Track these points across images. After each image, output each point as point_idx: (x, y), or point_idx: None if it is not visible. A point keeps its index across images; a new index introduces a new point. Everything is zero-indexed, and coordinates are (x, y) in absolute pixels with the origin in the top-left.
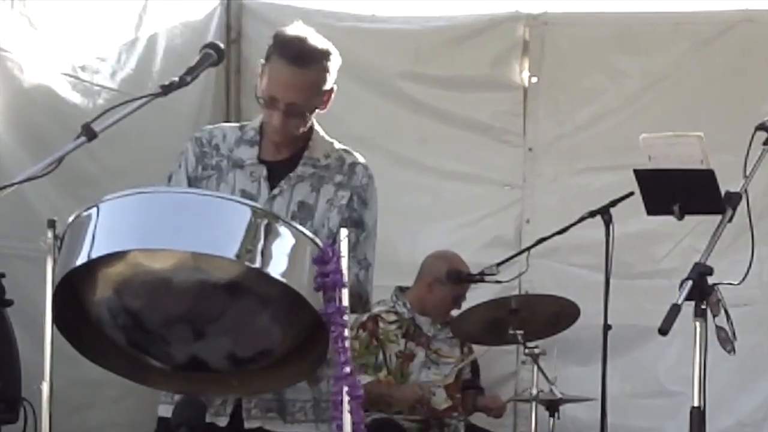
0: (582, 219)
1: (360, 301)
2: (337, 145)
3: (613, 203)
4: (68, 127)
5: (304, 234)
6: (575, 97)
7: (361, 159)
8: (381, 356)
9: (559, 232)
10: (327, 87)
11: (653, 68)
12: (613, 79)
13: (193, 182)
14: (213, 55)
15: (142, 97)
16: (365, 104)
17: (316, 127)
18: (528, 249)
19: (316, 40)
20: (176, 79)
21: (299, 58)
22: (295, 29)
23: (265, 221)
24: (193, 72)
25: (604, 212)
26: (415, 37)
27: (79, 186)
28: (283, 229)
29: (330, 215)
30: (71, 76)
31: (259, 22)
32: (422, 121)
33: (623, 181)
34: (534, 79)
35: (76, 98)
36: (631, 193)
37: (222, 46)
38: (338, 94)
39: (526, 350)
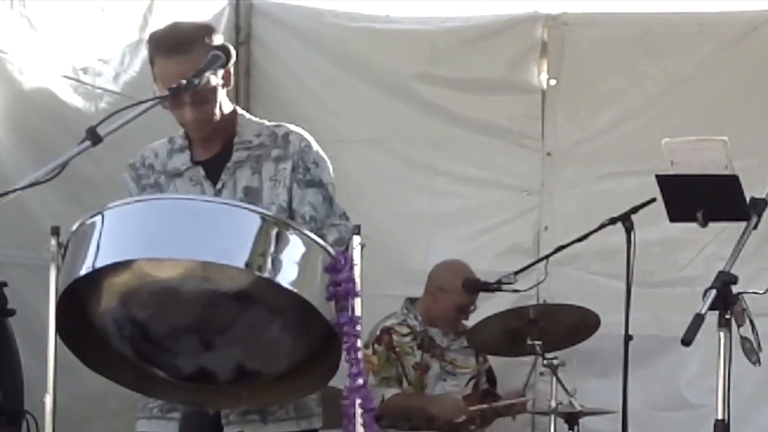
0: (602, 226)
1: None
2: (268, 123)
3: (635, 210)
4: (69, 131)
5: (316, 242)
6: (595, 100)
7: (294, 128)
8: (400, 368)
9: (579, 240)
10: None
11: (676, 70)
12: (634, 82)
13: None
14: (221, 57)
15: (148, 100)
16: (378, 106)
17: (240, 111)
18: (547, 257)
19: (189, 23)
20: (184, 81)
21: (177, 46)
22: (166, 24)
23: (276, 229)
24: (200, 74)
25: (625, 219)
26: (430, 38)
27: (81, 192)
28: (293, 237)
29: (277, 191)
30: (72, 78)
31: (270, 22)
32: (437, 125)
33: (645, 187)
34: (553, 82)
35: (77, 102)
36: (654, 200)
37: (231, 47)
38: (350, 95)
39: (545, 361)
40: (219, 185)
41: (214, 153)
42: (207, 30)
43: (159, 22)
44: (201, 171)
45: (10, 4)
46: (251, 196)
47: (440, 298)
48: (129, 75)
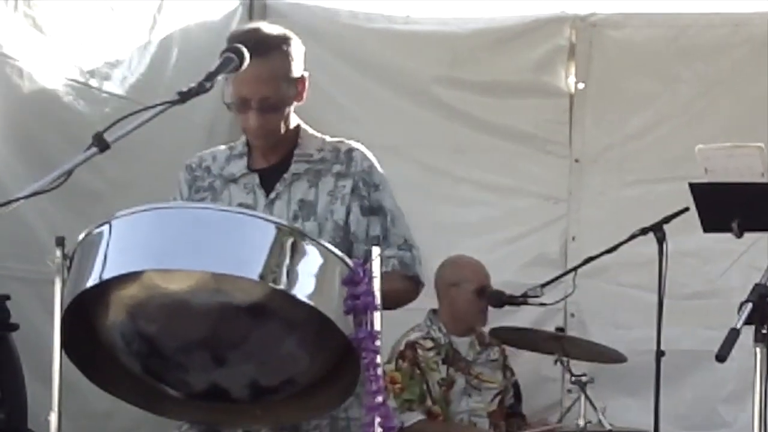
0: (633, 237)
1: (414, 287)
2: (329, 139)
3: (667, 219)
4: (72, 137)
5: (334, 253)
6: (625, 104)
7: (356, 145)
8: (424, 386)
9: (609, 251)
10: (296, 75)
11: (710, 73)
12: (666, 85)
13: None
14: (234, 60)
15: (158, 105)
16: (397, 111)
17: (304, 126)
18: (575, 269)
19: (271, 28)
20: (194, 85)
21: (257, 48)
22: (247, 25)
23: (291, 239)
24: (212, 77)
25: (657, 229)
26: (452, 40)
27: (81, 201)
28: (310, 248)
29: (333, 207)
30: (78, 82)
31: (284, 23)
32: (459, 130)
33: (677, 195)
34: (581, 85)
35: (81, 107)
36: (686, 209)
37: (244, 49)
38: (368, 100)
39: (573, 378)
40: (273, 195)
41: (273, 163)
42: (288, 39)
43: (168, 22)
44: (256, 178)
45: (15, 4)
46: (306, 209)
47: (456, 295)
48: (134, 78)
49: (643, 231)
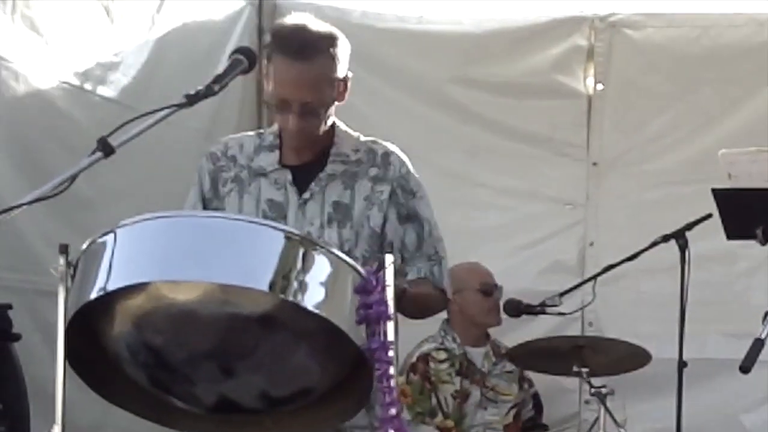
0: (654, 244)
1: (442, 299)
2: (363, 138)
3: (689, 226)
4: (66, 142)
5: (345, 261)
6: (645, 106)
7: (392, 147)
8: (434, 400)
9: (629, 259)
10: (340, 76)
11: (733, 74)
12: (687, 87)
13: (208, 203)
14: (243, 62)
15: (164, 109)
16: (410, 113)
17: (338, 122)
18: (594, 277)
19: (318, 26)
20: (202, 87)
21: (303, 50)
22: (292, 19)
23: (301, 248)
24: (221, 80)
25: (679, 236)
26: (467, 40)
27: (72, 210)
28: (320, 256)
29: (370, 213)
30: (72, 85)
31: None
32: (474, 133)
33: (698, 199)
34: (599, 87)
35: (76, 110)
36: (709, 215)
37: (254, 50)
38: (380, 101)
39: (592, 389)
40: (307, 195)
41: (306, 160)
42: (334, 40)
43: (168, 22)
44: (288, 175)
45: (13, 5)
46: (341, 212)
47: (462, 301)
48: (128, 81)
49: (665, 238)
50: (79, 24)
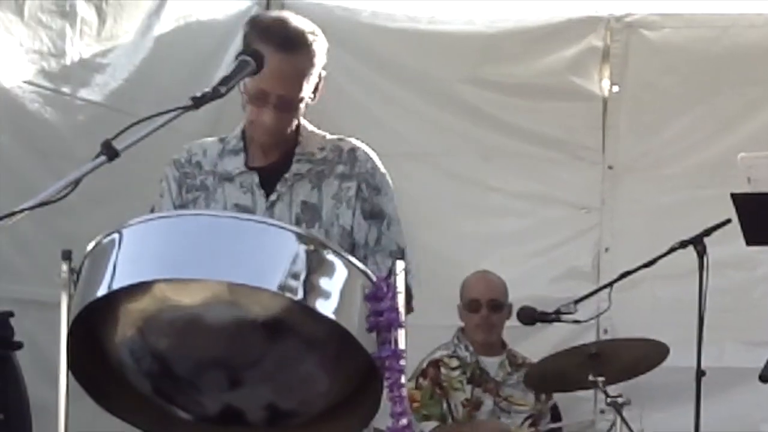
0: (672, 250)
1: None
2: (330, 136)
3: (707, 232)
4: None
5: (356, 266)
6: (662, 109)
7: (359, 144)
8: (445, 406)
9: (646, 265)
10: (315, 74)
11: (753, 76)
12: (705, 89)
13: (179, 210)
14: (251, 63)
15: (170, 111)
16: (421, 116)
17: (303, 121)
18: (610, 284)
19: (299, 21)
20: (209, 89)
21: (287, 42)
22: (271, 13)
23: (312, 249)
24: (228, 82)
25: (698, 242)
26: (480, 40)
27: (52, 216)
28: (331, 259)
29: (339, 211)
30: (45, 87)
31: None
32: (486, 135)
33: (716, 204)
34: (615, 88)
35: (49, 114)
36: (728, 221)
37: (261, 52)
38: (391, 104)
39: (608, 398)
40: (274, 196)
41: (272, 161)
42: (316, 35)
43: (166, 22)
44: (255, 178)
45: None
46: (309, 212)
47: (464, 315)
48: (117, 84)
49: (683, 244)
50: (62, 24)
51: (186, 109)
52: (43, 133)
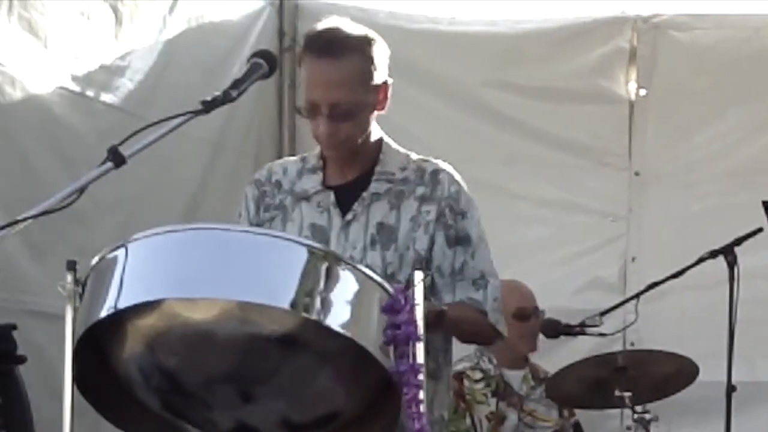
0: (701, 260)
1: (491, 330)
2: (414, 156)
3: (738, 241)
4: (63, 152)
5: (372, 278)
6: (691, 113)
7: (444, 165)
8: (469, 420)
9: (674, 276)
10: (376, 81)
11: None
12: (736, 92)
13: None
14: (264, 66)
15: (179, 116)
16: (442, 119)
17: (386, 139)
18: (637, 296)
19: (352, 28)
20: (219, 93)
21: (330, 47)
22: (327, 22)
23: (325, 263)
24: (240, 85)
25: (728, 252)
26: (502, 42)
27: (63, 223)
28: (346, 273)
29: (415, 235)
30: (71, 91)
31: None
32: (509, 140)
33: (747, 212)
34: (642, 92)
35: (75, 119)
36: (760, 229)
37: (275, 54)
38: (410, 108)
39: (635, 415)
40: (350, 216)
41: (350, 179)
42: (368, 41)
43: (180, 24)
44: (331, 197)
45: (9, 5)
46: (386, 234)
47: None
48: (134, 86)
49: (713, 254)
50: (83, 26)
51: (196, 113)
52: (69, 138)
